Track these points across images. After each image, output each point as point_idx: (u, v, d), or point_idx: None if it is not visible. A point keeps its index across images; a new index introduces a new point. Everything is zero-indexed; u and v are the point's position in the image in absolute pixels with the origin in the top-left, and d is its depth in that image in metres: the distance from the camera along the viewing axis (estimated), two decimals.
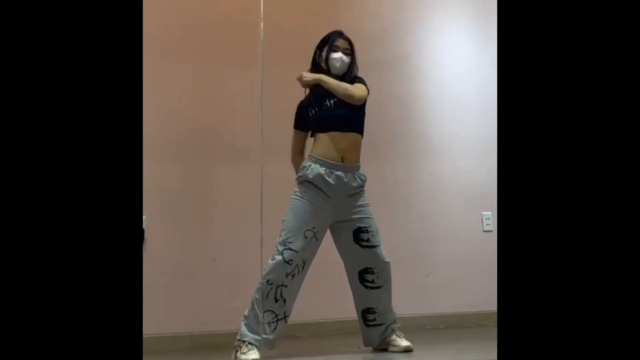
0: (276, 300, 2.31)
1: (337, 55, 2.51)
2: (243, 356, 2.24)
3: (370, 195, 2.52)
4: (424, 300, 3.33)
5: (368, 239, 2.45)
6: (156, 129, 2.95)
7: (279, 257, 2.31)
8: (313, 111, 2.50)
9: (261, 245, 2.34)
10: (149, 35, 2.95)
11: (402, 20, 3.59)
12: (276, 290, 2.31)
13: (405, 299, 3.31)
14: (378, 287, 2.47)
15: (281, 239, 2.35)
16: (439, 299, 3.35)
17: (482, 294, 3.32)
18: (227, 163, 3.03)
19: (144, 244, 2.91)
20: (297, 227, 2.35)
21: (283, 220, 2.39)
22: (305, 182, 2.40)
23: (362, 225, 2.45)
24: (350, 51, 2.56)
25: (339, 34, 2.56)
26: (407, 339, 2.48)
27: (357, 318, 2.55)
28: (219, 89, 3.09)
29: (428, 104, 3.56)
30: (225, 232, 3.02)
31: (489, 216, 3.48)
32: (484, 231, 3.49)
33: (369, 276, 2.47)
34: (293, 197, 2.41)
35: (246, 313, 2.33)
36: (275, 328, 2.32)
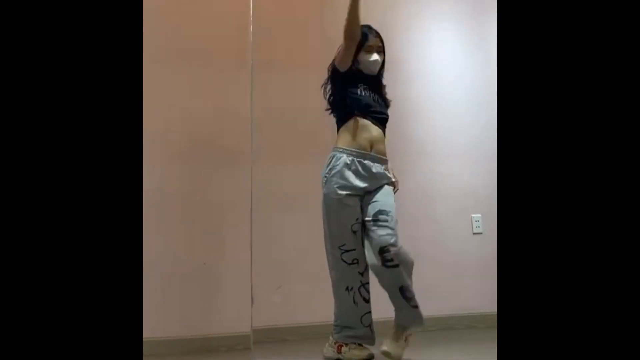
0: (366, 301, 2.31)
1: (374, 57, 2.42)
2: (356, 351, 2.26)
3: None
4: None
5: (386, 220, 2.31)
6: (145, 133, 2.93)
7: (342, 264, 2.28)
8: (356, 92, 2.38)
9: (251, 248, 2.33)
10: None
11: (392, 24, 3.60)
12: (359, 292, 2.30)
13: None
14: (397, 266, 2.23)
15: (331, 244, 2.30)
16: (429, 301, 3.33)
17: (472, 296, 3.33)
18: (217, 165, 3.01)
19: None
20: (342, 227, 2.28)
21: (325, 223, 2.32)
22: (332, 178, 2.29)
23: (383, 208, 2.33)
24: (382, 48, 2.48)
25: (369, 28, 2.44)
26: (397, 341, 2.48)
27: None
28: (209, 92, 3.08)
29: (417, 106, 3.57)
30: (215, 235, 3.00)
31: (479, 218, 3.49)
32: (474, 233, 3.50)
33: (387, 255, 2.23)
34: (325, 198, 2.31)
35: (337, 322, 2.33)
36: (371, 323, 2.33)
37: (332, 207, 2.27)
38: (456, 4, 3.74)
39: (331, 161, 2.31)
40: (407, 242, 3.37)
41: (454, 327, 3.28)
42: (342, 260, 2.28)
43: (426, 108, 3.57)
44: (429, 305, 3.36)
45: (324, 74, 2.65)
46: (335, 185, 2.27)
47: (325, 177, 2.31)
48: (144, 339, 2.73)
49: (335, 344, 2.33)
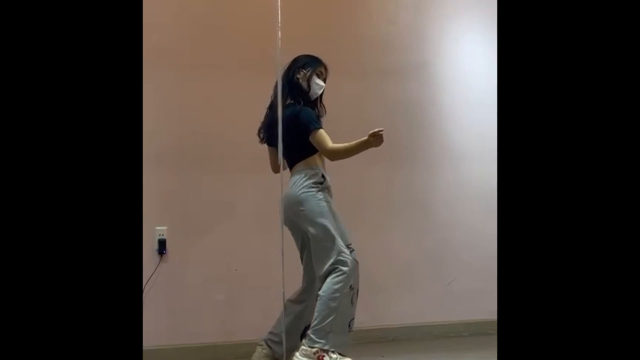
0: (354, 304, 2.35)
1: (322, 82, 2.52)
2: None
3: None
4: (446, 307, 3.29)
5: None
6: (176, 140, 2.96)
7: (352, 262, 2.32)
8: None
9: (282, 254, 2.32)
10: (168, 46, 2.97)
11: (419, 27, 3.57)
12: (354, 295, 2.33)
13: (427, 307, 3.29)
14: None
15: (341, 243, 2.33)
16: (462, 306, 3.31)
17: None
18: (247, 172, 3.02)
19: (164, 255, 2.92)
20: (343, 228, 2.37)
21: (323, 226, 2.34)
22: (325, 189, 2.43)
23: None
24: (325, 80, 2.56)
25: (320, 61, 2.55)
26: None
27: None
28: (239, 99, 3.09)
29: (446, 109, 3.53)
30: (246, 241, 3.01)
31: None
32: None
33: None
34: (321, 202, 2.38)
35: (327, 322, 2.28)
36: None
37: None
38: (489, 6, 3.70)
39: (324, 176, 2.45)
40: (441, 245, 3.36)
41: (487, 332, 3.23)
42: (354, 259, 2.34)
43: (455, 111, 3.54)
44: (461, 310, 3.33)
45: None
46: None
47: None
48: (176, 346, 2.75)
49: (315, 353, 2.27)
